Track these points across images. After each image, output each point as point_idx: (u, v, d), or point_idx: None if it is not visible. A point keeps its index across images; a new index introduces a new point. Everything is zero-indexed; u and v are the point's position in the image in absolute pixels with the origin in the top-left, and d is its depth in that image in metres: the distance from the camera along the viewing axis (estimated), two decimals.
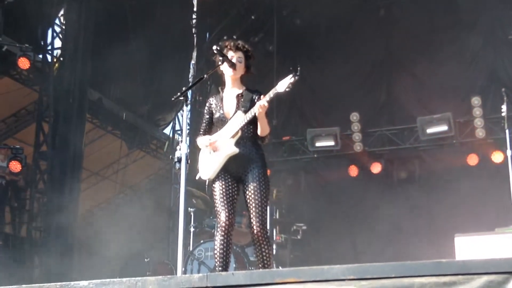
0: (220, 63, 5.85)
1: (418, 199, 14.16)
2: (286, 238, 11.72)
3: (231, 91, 5.84)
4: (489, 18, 14.23)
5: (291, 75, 5.45)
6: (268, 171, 5.92)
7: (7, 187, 12.60)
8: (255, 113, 5.52)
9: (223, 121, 5.75)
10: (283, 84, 5.48)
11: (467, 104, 13.48)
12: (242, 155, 5.64)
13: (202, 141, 5.81)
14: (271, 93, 5.52)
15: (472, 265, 3.62)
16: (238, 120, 5.64)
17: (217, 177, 5.69)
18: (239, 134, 5.65)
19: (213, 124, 5.86)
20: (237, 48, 5.82)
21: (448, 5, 14.19)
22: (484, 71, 14.09)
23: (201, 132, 5.93)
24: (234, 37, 5.98)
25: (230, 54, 5.79)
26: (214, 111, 5.85)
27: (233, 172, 5.68)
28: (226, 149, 5.66)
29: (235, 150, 5.63)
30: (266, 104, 5.49)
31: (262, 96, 5.61)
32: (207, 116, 5.91)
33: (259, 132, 5.66)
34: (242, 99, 5.73)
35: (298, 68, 5.49)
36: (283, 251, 11.65)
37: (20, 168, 11.85)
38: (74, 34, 13.50)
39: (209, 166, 5.74)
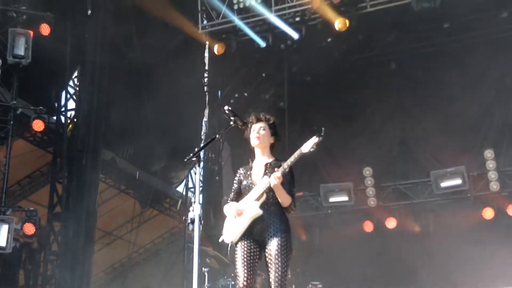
0: (232, 123, 5.91)
1: (435, 253, 13.98)
2: None
3: (261, 160, 5.89)
4: (499, 69, 14.30)
5: (315, 136, 5.51)
6: None
7: (21, 250, 12.58)
8: (269, 184, 5.56)
9: (250, 188, 5.78)
10: (308, 145, 5.54)
11: (481, 157, 13.43)
12: (265, 219, 5.65)
13: (228, 208, 5.82)
14: (296, 154, 5.57)
15: None
16: (263, 183, 5.66)
17: (240, 240, 5.69)
18: (264, 197, 5.66)
19: (241, 193, 5.87)
20: (258, 119, 5.90)
21: (458, 58, 14.26)
22: (496, 123, 14.07)
23: (229, 200, 5.95)
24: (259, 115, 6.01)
25: (253, 127, 5.86)
26: (242, 179, 5.88)
27: (256, 236, 5.67)
28: (250, 211, 5.66)
29: (259, 212, 5.63)
30: (280, 175, 5.52)
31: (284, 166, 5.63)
32: (236, 185, 5.94)
33: (280, 202, 5.68)
34: (270, 167, 5.75)
35: (323, 129, 5.54)
36: None
37: (34, 231, 11.84)
38: (88, 95, 13.68)
39: (232, 229, 5.74)
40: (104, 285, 16.62)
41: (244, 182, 5.85)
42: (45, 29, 12.15)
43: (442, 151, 14.28)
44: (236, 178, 5.96)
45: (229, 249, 5.77)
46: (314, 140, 5.54)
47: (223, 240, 5.83)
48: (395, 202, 14.46)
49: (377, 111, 15.45)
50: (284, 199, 5.65)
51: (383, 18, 13.76)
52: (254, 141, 5.86)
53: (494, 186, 13.27)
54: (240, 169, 6.00)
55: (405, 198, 14.40)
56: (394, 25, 14.53)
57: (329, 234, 15.27)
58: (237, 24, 13.92)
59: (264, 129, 5.87)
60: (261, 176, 5.76)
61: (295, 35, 13.86)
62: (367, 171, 14.37)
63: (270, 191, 5.65)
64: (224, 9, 13.80)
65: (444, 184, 13.56)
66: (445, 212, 14.37)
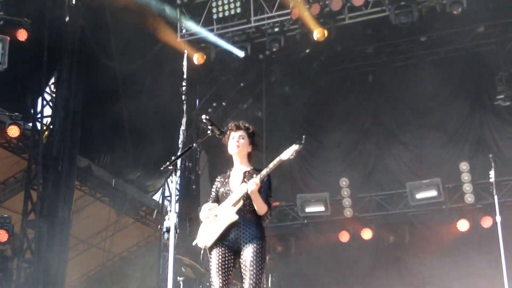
0: (209, 132, 5.91)
1: (409, 264, 14.07)
2: None
3: (239, 168, 5.88)
4: (475, 85, 14.48)
5: (295, 144, 5.53)
6: None
7: None
8: (247, 190, 5.55)
9: (228, 195, 5.77)
10: (288, 153, 5.56)
11: (456, 170, 13.55)
12: (241, 226, 5.64)
13: (203, 211, 5.79)
14: (275, 161, 5.58)
15: None
16: (241, 189, 5.66)
17: (214, 246, 5.66)
18: (240, 203, 5.65)
19: (219, 201, 5.85)
20: (237, 128, 5.90)
21: (435, 73, 14.39)
22: (471, 137, 14.24)
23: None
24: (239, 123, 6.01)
25: (232, 135, 5.86)
26: (220, 187, 5.87)
27: (231, 242, 5.65)
28: (226, 216, 5.65)
29: (235, 217, 5.62)
30: (258, 182, 5.53)
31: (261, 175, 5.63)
32: (214, 193, 5.92)
33: (256, 210, 5.67)
34: (248, 175, 5.75)
35: (303, 137, 5.57)
36: None
37: (7, 238, 11.70)
38: (64, 102, 13.58)
39: (207, 233, 5.71)
40: None
41: (222, 190, 5.84)
42: (22, 35, 12.04)
43: (418, 163, 14.40)
44: (214, 186, 5.95)
45: (202, 253, 5.73)
46: (294, 147, 5.57)
47: (196, 244, 5.79)
48: (371, 213, 14.56)
49: (355, 123, 15.54)
50: (260, 207, 5.64)
51: (362, 30, 13.86)
52: (233, 149, 5.86)
53: (469, 198, 13.41)
54: (218, 177, 5.99)
55: (381, 209, 14.49)
56: (372, 38, 14.65)
57: (305, 243, 15.30)
58: (213, 37, 13.96)
59: (243, 138, 5.87)
60: (239, 184, 5.76)
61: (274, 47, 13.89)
62: (344, 181, 14.45)
63: (247, 198, 5.64)
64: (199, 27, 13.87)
65: (419, 195, 13.66)
66: (420, 223, 14.48)
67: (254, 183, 5.53)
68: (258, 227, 5.70)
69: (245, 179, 5.73)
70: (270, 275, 12.68)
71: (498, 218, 9.47)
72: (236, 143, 5.83)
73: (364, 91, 15.57)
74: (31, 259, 12.73)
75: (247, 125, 5.94)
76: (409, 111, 14.71)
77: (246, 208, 5.68)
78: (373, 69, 15.62)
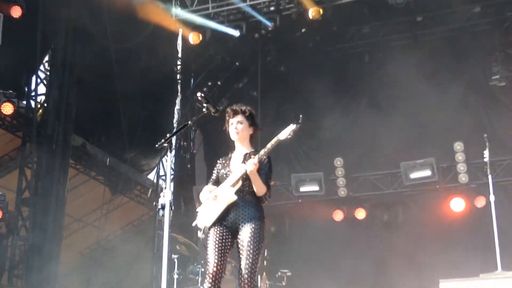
0: (204, 110, 5.90)
1: (403, 244, 14.12)
2: (271, 284, 11.59)
3: (240, 151, 5.90)
4: (471, 65, 14.45)
5: (292, 124, 5.53)
6: None
7: None
8: (246, 170, 5.56)
9: (228, 176, 5.79)
10: (285, 132, 5.56)
11: (450, 150, 13.58)
12: (240, 207, 5.66)
13: (203, 193, 5.81)
14: (273, 141, 5.58)
15: None
16: (240, 170, 5.67)
17: (213, 226, 5.70)
18: (239, 184, 5.66)
19: (219, 182, 5.87)
20: (234, 113, 5.89)
21: (430, 53, 14.36)
22: (467, 117, 14.21)
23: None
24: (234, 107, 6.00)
25: (231, 122, 5.86)
26: (220, 168, 5.89)
27: (229, 223, 5.67)
28: (226, 196, 5.67)
29: (234, 197, 5.64)
30: (257, 161, 5.53)
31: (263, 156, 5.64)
32: (214, 175, 5.95)
33: (255, 191, 5.68)
34: (248, 158, 5.75)
35: (300, 116, 5.55)
36: None
37: (1, 215, 11.74)
38: (58, 80, 13.54)
39: (207, 214, 5.74)
40: (73, 271, 16.50)
41: (222, 171, 5.87)
42: (16, 12, 11.99)
43: (413, 143, 14.41)
44: (215, 168, 5.99)
45: (201, 233, 5.75)
46: (291, 127, 5.57)
47: (196, 225, 5.83)
48: (365, 192, 14.60)
49: (350, 103, 15.52)
50: (259, 188, 5.66)
51: (358, 10, 13.80)
52: (233, 135, 5.87)
53: (463, 178, 13.45)
54: (220, 159, 6.03)
55: (375, 188, 14.54)
56: (368, 18, 14.60)
57: (299, 223, 15.36)
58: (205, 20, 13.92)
59: (241, 123, 5.87)
60: (239, 164, 5.77)
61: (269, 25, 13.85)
62: (338, 161, 14.48)
63: (246, 179, 5.66)
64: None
65: (413, 175, 13.70)
66: (414, 203, 14.54)
67: (252, 164, 5.54)
68: (257, 208, 5.72)
69: (245, 161, 5.74)
70: (263, 253, 12.77)
71: (492, 198, 9.54)
72: (235, 130, 5.85)
73: (360, 71, 15.54)
74: (25, 237, 12.77)
75: (243, 108, 5.92)
76: (405, 91, 14.68)
77: (245, 189, 5.70)
78: (369, 49, 15.57)
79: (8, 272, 12.61)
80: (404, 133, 14.78)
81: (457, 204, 13.53)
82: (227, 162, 5.91)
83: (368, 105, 15.37)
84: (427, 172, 13.57)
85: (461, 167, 13.42)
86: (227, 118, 5.92)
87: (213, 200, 5.72)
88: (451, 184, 13.74)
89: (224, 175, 5.83)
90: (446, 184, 13.79)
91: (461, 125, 14.25)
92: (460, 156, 13.43)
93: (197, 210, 5.90)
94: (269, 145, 5.61)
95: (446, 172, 13.84)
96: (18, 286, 12.58)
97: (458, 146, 13.46)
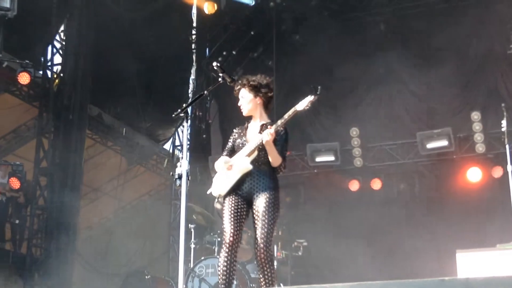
0: (220, 79, 5.89)
1: (419, 214, 14.13)
2: (287, 254, 11.64)
3: (257, 121, 5.91)
4: (488, 33, 14.26)
5: (310, 95, 5.49)
6: None
7: (7, 204, 12.61)
8: (262, 140, 5.55)
9: (244, 146, 5.80)
10: (303, 103, 5.55)
11: (467, 119, 13.48)
12: (255, 176, 5.68)
13: (219, 162, 5.82)
14: (290, 112, 5.57)
15: (474, 283, 3.61)
16: (256, 140, 5.66)
17: (228, 194, 5.72)
18: (255, 154, 5.67)
19: (235, 151, 5.87)
20: (238, 88, 5.89)
21: (446, 22, 14.20)
22: (484, 86, 14.08)
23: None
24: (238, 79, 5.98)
25: (238, 96, 5.85)
26: (236, 137, 5.90)
27: (244, 192, 5.69)
28: (240, 165, 5.68)
29: (249, 166, 5.65)
30: (273, 131, 5.52)
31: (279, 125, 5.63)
32: (230, 144, 5.97)
33: (271, 161, 5.67)
34: (265, 128, 5.74)
35: (319, 87, 5.52)
36: (284, 268, 11.57)
37: (20, 185, 11.86)
38: (74, 50, 13.56)
39: (222, 182, 5.77)
40: (90, 240, 16.68)
41: (238, 140, 5.88)
42: None
43: (429, 113, 14.32)
44: (231, 137, 5.99)
45: (217, 203, 5.79)
46: (309, 98, 5.55)
47: (210, 193, 5.86)
48: (381, 162, 14.55)
49: (366, 72, 15.39)
50: (274, 158, 5.66)
51: None
52: (242, 112, 5.90)
53: (480, 148, 13.34)
54: (236, 128, 6.03)
55: (391, 158, 14.47)
56: None
57: (315, 193, 15.36)
58: None
59: (243, 96, 5.86)
60: (256, 134, 5.77)
61: None
62: (354, 131, 14.42)
63: (262, 149, 5.66)
64: None
65: (430, 145, 13.60)
66: (431, 173, 14.49)
67: (268, 134, 5.53)
68: (271, 177, 5.74)
69: (262, 131, 5.73)
70: (279, 224, 12.81)
71: (510, 168, 9.46)
72: (241, 107, 5.89)
73: (376, 39, 15.39)
74: (44, 206, 12.89)
75: (244, 81, 5.87)
76: (421, 60, 14.55)
77: (261, 159, 5.70)
78: (385, 18, 15.40)
79: (28, 241, 12.77)
80: (421, 102, 14.69)
81: (474, 174, 13.46)
82: (244, 131, 5.90)
83: (384, 74, 15.24)
84: (443, 142, 13.46)
85: (478, 137, 13.32)
86: (235, 94, 5.93)
87: (228, 170, 5.74)
88: (468, 154, 13.64)
89: (240, 145, 5.83)
90: (463, 154, 13.69)
91: (479, 95, 14.13)
92: (477, 126, 13.31)
93: (213, 179, 5.94)
94: (286, 116, 5.59)
95: (463, 142, 13.73)
96: (37, 255, 12.74)
97: (475, 115, 13.34)
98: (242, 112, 5.97)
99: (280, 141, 5.70)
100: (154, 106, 15.37)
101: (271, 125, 5.69)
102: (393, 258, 13.65)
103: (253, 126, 5.89)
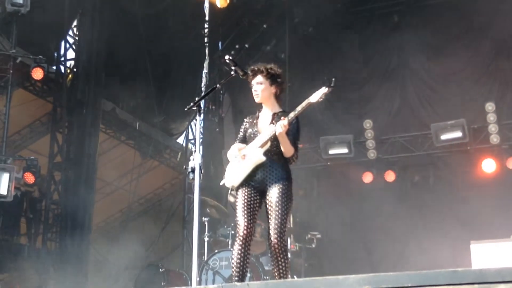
0: (232, 73, 5.89)
1: (433, 206, 14.08)
2: (301, 246, 11.65)
3: (268, 110, 5.89)
4: (503, 24, 14.14)
5: (324, 87, 5.47)
6: None
7: (22, 198, 12.70)
8: (275, 131, 5.54)
9: (255, 136, 5.78)
10: (317, 95, 5.53)
11: (482, 110, 13.41)
12: (267, 167, 5.67)
13: (231, 151, 5.82)
14: (303, 104, 5.55)
15: (488, 274, 3.59)
16: (269, 131, 5.65)
17: (241, 186, 5.72)
18: (268, 145, 5.66)
19: (246, 141, 5.86)
20: (254, 74, 5.84)
21: (461, 12, 14.10)
22: (498, 77, 13.99)
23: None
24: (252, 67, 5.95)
25: (252, 84, 5.83)
26: (248, 127, 5.88)
27: (257, 183, 5.69)
28: (254, 157, 5.68)
29: (262, 158, 5.65)
30: (287, 123, 5.50)
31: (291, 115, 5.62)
32: (241, 134, 5.96)
33: (283, 152, 5.67)
34: (277, 117, 5.73)
35: (333, 80, 5.50)
36: (297, 260, 11.58)
37: (34, 180, 11.92)
38: (87, 45, 13.60)
39: (235, 173, 5.77)
40: (105, 234, 16.76)
41: (250, 130, 5.86)
42: None
43: (443, 104, 14.25)
44: (242, 127, 5.97)
45: (230, 195, 5.80)
46: (323, 90, 5.52)
47: (224, 185, 5.86)
48: (394, 154, 14.50)
49: (379, 64, 15.34)
50: (287, 149, 5.65)
51: None
52: (255, 98, 5.86)
53: (495, 139, 13.28)
54: (247, 117, 6.00)
55: (405, 150, 14.42)
56: None
57: (328, 185, 15.35)
58: None
59: (261, 83, 5.82)
60: (268, 125, 5.76)
61: None
62: (368, 123, 14.39)
63: (274, 140, 5.65)
64: None
65: (444, 136, 13.55)
66: (445, 165, 14.42)
67: (282, 125, 5.51)
68: (284, 168, 5.73)
69: (274, 121, 5.72)
70: (293, 216, 12.81)
71: None
72: (255, 92, 5.82)
73: (389, 31, 15.31)
74: (58, 201, 12.97)
75: (262, 67, 5.85)
76: (434, 51, 14.47)
77: (273, 149, 5.69)
78: (399, 9, 15.31)
79: (43, 235, 12.86)
80: (435, 94, 14.61)
81: (489, 165, 13.39)
82: (255, 121, 5.89)
83: (398, 65, 15.18)
84: (458, 133, 13.40)
85: (493, 127, 13.25)
86: (249, 80, 5.89)
87: (242, 159, 5.73)
88: (483, 145, 13.58)
89: (252, 135, 5.82)
90: (477, 145, 13.63)
91: (493, 86, 14.04)
92: (491, 117, 13.25)
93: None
94: (299, 108, 5.57)
95: (477, 133, 13.66)
96: (52, 249, 12.82)
97: (490, 106, 13.28)
98: (255, 104, 5.96)
99: (292, 130, 5.68)
100: (168, 100, 15.38)
101: (283, 114, 5.68)
102: (407, 250, 13.63)
103: (265, 115, 5.88)
